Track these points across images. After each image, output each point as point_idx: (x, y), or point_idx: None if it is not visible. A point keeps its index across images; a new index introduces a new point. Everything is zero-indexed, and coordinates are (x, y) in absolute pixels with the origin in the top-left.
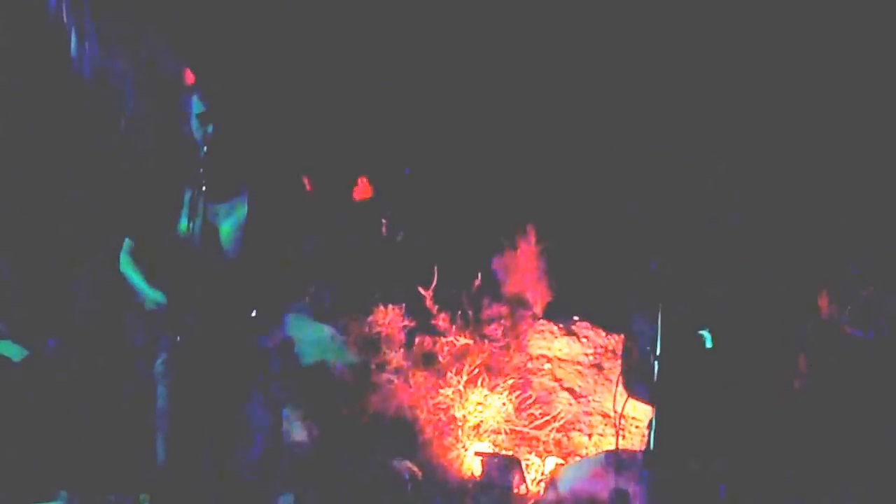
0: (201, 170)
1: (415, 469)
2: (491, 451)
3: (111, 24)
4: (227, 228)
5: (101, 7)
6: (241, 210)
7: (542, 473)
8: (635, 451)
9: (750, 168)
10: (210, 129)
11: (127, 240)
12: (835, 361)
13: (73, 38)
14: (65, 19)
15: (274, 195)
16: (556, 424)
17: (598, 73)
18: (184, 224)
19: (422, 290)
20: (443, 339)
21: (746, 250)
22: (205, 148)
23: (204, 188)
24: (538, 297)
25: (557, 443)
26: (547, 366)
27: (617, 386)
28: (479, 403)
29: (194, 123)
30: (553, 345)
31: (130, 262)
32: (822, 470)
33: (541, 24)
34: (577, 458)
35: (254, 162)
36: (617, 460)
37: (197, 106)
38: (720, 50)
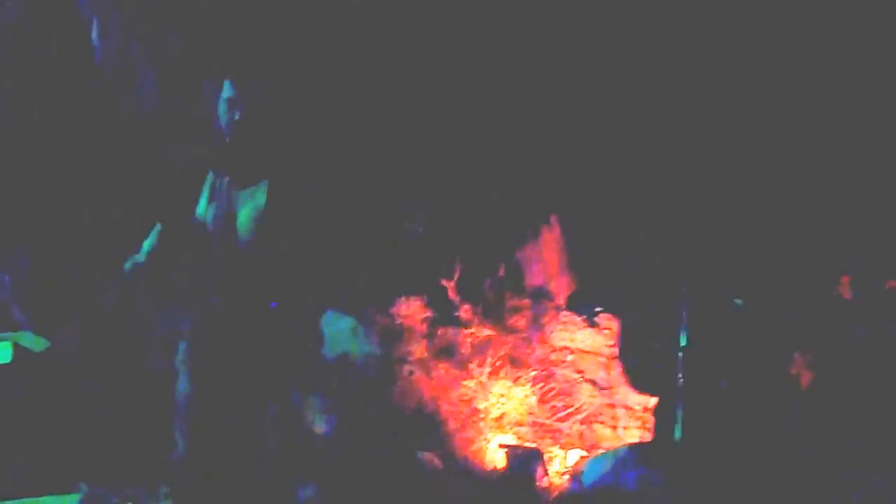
0: (224, 155)
1: (437, 460)
2: (514, 443)
3: (133, 15)
4: (245, 214)
5: None
6: (261, 197)
7: (566, 465)
8: (659, 443)
9: (767, 166)
10: (237, 115)
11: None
12: (861, 357)
13: (96, 29)
14: (88, 10)
15: (294, 185)
16: (579, 416)
17: (624, 67)
18: (202, 208)
19: (444, 282)
20: (465, 331)
21: (768, 246)
22: (230, 134)
23: (226, 174)
24: (561, 289)
25: (580, 435)
26: (570, 357)
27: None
28: (502, 395)
29: (222, 108)
30: (576, 336)
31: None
32: (846, 461)
33: (569, 20)
34: (601, 451)
35: (276, 151)
36: (640, 452)
37: (227, 90)
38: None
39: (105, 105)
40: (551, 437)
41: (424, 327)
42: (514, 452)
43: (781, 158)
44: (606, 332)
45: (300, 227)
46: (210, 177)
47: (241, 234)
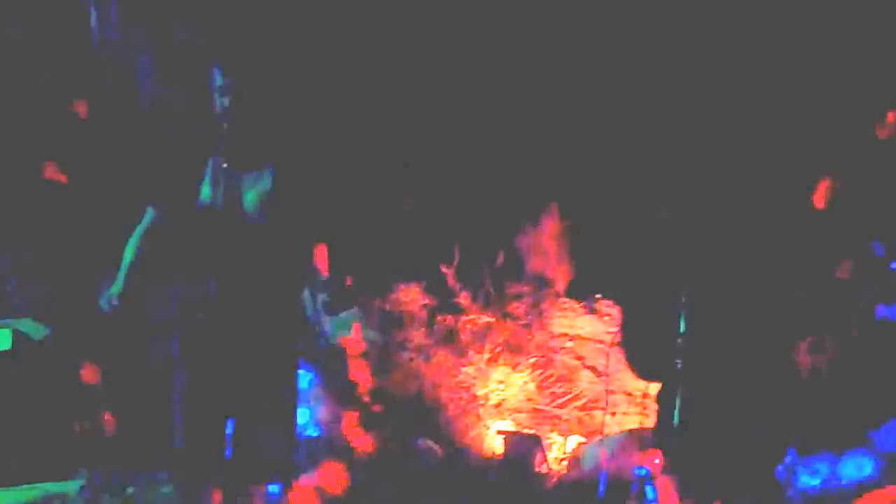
0: (225, 139)
1: (436, 447)
2: (513, 429)
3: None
4: (250, 198)
5: None
6: (266, 180)
7: (565, 452)
8: (658, 429)
9: (778, 143)
10: (227, 102)
11: (148, 213)
12: (863, 340)
13: (94, 12)
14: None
15: (299, 167)
16: (579, 403)
17: (625, 52)
18: (206, 192)
19: (444, 268)
20: (465, 318)
21: (771, 229)
22: (228, 119)
23: (228, 157)
24: (561, 275)
25: (580, 421)
26: (569, 344)
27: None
28: (501, 382)
29: (217, 94)
30: (575, 323)
31: (137, 241)
32: (846, 446)
33: (569, 9)
34: (600, 437)
35: (280, 132)
36: (640, 439)
37: (218, 79)
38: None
39: (105, 93)
40: (550, 424)
41: (424, 314)
42: (512, 439)
43: (783, 144)
44: (606, 318)
45: (304, 212)
46: (211, 163)
47: (248, 217)
